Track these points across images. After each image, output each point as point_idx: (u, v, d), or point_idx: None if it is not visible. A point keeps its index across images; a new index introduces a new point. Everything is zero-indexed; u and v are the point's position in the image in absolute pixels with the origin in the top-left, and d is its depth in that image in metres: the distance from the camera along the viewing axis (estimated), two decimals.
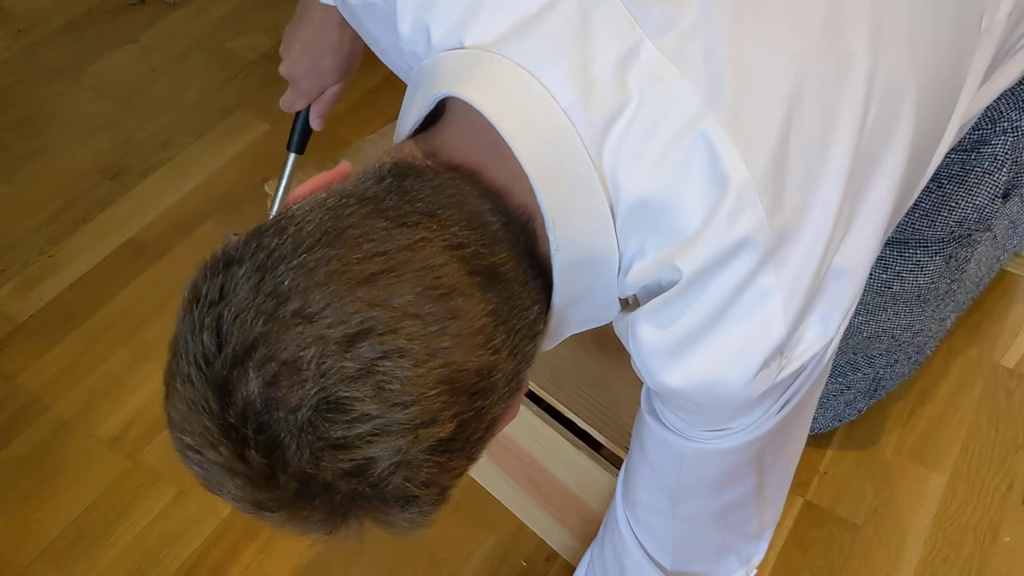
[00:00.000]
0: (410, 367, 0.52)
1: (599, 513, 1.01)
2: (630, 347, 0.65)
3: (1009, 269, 1.43)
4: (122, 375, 1.36)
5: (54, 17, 1.94)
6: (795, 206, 0.59)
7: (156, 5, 1.97)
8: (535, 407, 1.07)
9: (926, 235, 1.09)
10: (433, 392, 0.53)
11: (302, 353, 0.51)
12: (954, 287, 1.17)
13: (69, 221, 1.56)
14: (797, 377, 0.65)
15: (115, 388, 1.34)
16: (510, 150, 0.59)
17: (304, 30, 0.97)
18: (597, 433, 1.04)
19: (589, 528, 1.06)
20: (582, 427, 1.05)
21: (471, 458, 0.59)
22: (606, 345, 1.13)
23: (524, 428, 1.09)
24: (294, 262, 0.54)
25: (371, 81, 1.74)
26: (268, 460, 0.52)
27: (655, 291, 0.62)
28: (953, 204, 1.07)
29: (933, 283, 1.12)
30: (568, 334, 0.71)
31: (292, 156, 1.07)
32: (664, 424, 0.72)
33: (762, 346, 0.61)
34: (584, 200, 0.60)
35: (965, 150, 1.06)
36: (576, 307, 0.66)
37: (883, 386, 1.21)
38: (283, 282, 0.53)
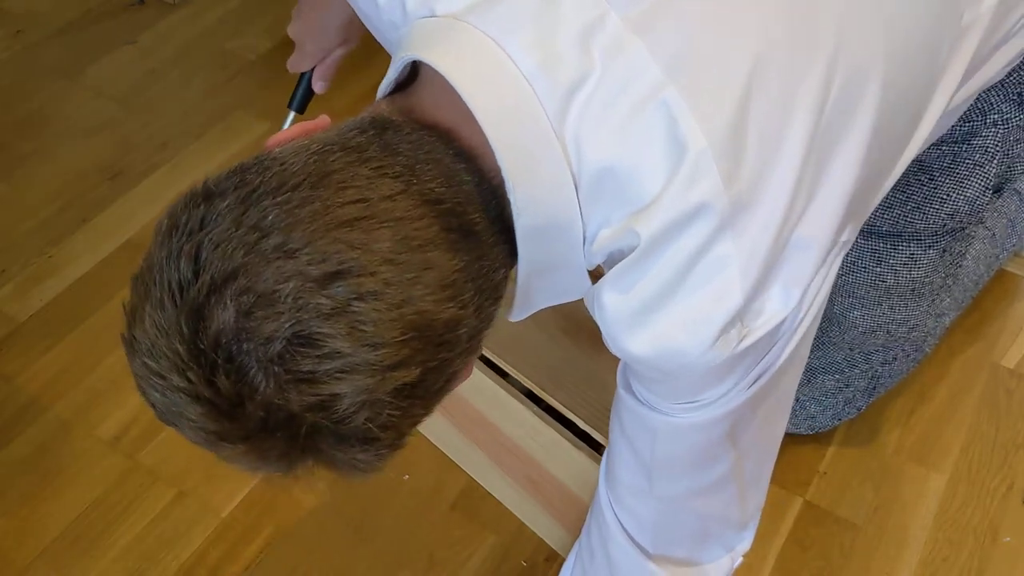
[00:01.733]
0: (384, 310, 0.54)
1: None
2: (596, 316, 0.67)
3: (1009, 269, 1.42)
4: (122, 375, 1.35)
5: (53, 18, 1.94)
6: (753, 176, 0.61)
7: (156, 6, 1.97)
8: (535, 407, 1.07)
9: (919, 228, 1.10)
10: (404, 337, 0.55)
11: (280, 286, 0.53)
12: (949, 282, 1.17)
13: (69, 221, 1.56)
14: (767, 351, 0.66)
15: (115, 388, 1.34)
16: None
17: None
18: (597, 433, 1.04)
19: None
20: (582, 427, 1.05)
21: (428, 408, 0.61)
22: (604, 347, 1.13)
23: (524, 428, 1.09)
24: (279, 198, 0.55)
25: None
26: (236, 388, 0.53)
27: (618, 259, 0.63)
28: (944, 196, 1.08)
29: (927, 277, 1.13)
30: (539, 306, 0.73)
31: (292, 114, 1.09)
32: (638, 398, 0.73)
33: (720, 313, 0.62)
34: (545, 167, 0.61)
35: (956, 142, 1.07)
36: (544, 277, 0.68)
37: (882, 384, 1.21)
38: (266, 217, 0.55)
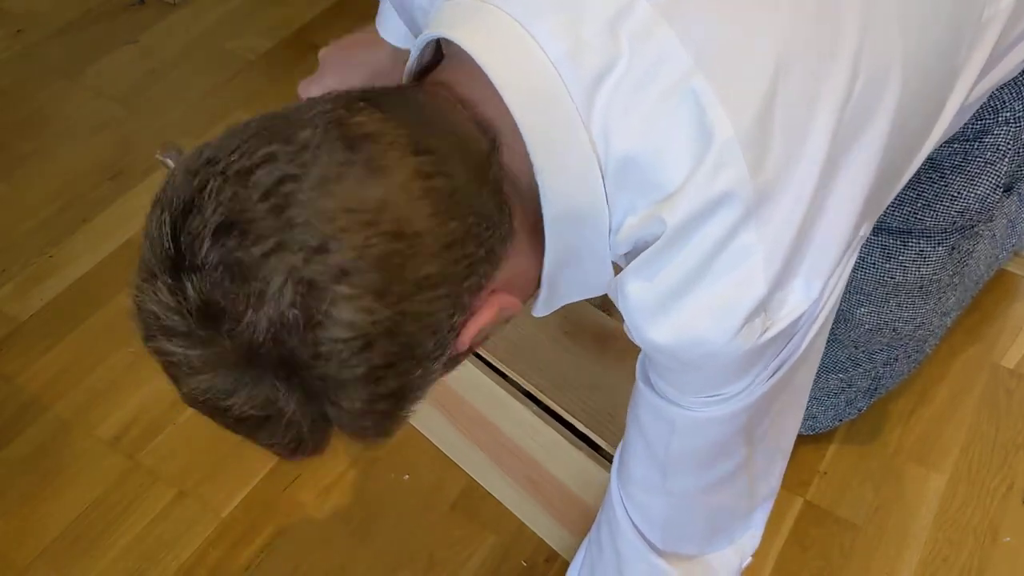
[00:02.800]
0: (307, 190, 0.54)
1: None
2: (619, 306, 0.67)
3: (1009, 269, 1.42)
4: (122, 375, 1.36)
5: (53, 18, 1.94)
6: (778, 167, 0.61)
7: (156, 5, 1.97)
8: (535, 407, 1.07)
9: (929, 225, 1.10)
10: (337, 221, 0.54)
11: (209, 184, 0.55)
12: (956, 280, 1.17)
13: (69, 221, 1.56)
14: (787, 343, 0.67)
15: (115, 388, 1.34)
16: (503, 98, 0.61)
17: (363, 32, 1.02)
18: (597, 437, 1.04)
19: (589, 528, 1.06)
20: (582, 431, 1.05)
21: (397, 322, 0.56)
22: (606, 349, 1.13)
23: (524, 428, 1.09)
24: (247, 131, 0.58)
25: None
26: (203, 299, 0.55)
27: (643, 247, 0.63)
28: (955, 194, 1.08)
29: (935, 274, 1.13)
30: (564, 301, 0.73)
31: None
32: (657, 392, 0.73)
33: (744, 302, 0.62)
34: (572, 155, 0.62)
35: (967, 140, 1.07)
36: (571, 269, 0.68)
37: (883, 384, 1.21)
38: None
